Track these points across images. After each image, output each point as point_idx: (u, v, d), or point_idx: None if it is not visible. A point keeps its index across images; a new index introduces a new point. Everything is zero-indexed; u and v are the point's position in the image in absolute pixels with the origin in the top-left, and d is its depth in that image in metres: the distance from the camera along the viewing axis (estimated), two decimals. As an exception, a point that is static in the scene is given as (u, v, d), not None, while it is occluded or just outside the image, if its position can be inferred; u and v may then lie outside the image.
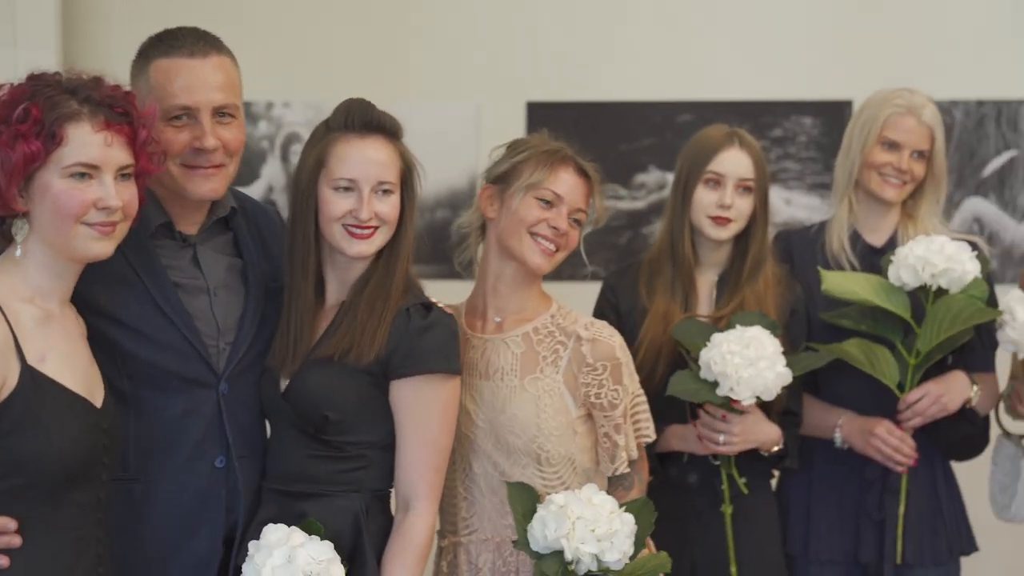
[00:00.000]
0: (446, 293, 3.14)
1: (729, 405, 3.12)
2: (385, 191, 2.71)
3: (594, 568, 2.59)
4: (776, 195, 4.74)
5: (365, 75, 4.89)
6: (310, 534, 2.57)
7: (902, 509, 3.33)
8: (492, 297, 2.92)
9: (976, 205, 4.78)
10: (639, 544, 2.68)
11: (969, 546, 3.48)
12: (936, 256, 3.19)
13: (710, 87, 4.81)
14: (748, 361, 3.05)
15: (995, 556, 3.83)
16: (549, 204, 2.85)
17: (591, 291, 3.47)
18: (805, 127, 4.78)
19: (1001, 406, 3.49)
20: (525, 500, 2.69)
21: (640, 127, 4.80)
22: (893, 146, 3.38)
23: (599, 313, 3.35)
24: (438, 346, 2.68)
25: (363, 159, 2.69)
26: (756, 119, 4.74)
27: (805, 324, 3.34)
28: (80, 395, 2.44)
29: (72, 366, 2.47)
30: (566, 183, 2.86)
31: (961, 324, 3.19)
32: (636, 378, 2.94)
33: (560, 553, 2.59)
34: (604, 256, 4.81)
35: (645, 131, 4.79)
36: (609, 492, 2.85)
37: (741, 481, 3.22)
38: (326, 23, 4.96)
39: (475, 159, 4.76)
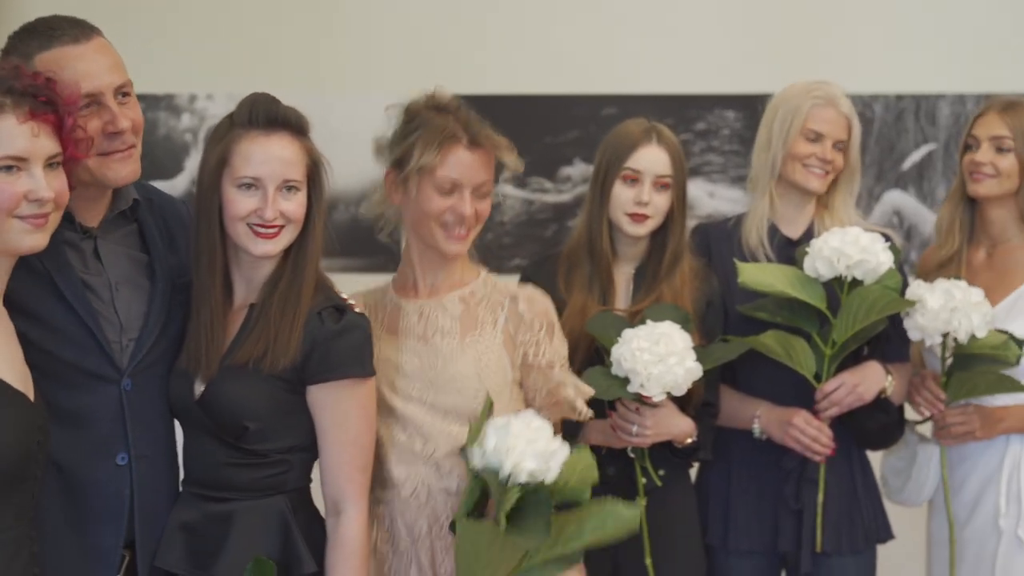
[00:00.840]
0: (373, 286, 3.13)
1: (641, 399, 3.15)
2: (291, 189, 2.65)
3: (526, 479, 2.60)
4: (700, 188, 4.78)
5: (288, 67, 4.87)
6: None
7: (821, 498, 3.36)
8: (421, 270, 2.90)
9: (896, 198, 4.85)
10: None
11: (885, 534, 3.52)
12: (851, 247, 3.24)
13: (634, 81, 4.84)
14: (657, 357, 3.06)
15: (911, 543, 3.89)
16: (449, 190, 2.80)
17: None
18: (728, 120, 4.83)
19: None
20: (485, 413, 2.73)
21: (565, 120, 4.82)
22: (816, 137, 3.42)
23: None
24: (352, 350, 2.66)
25: (267, 157, 2.63)
26: (680, 113, 4.78)
27: (721, 316, 3.37)
28: (21, 392, 2.38)
29: (10, 362, 2.41)
30: (459, 165, 2.79)
31: (876, 314, 3.23)
32: (566, 345, 2.94)
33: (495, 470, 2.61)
34: (530, 248, 4.83)
35: (570, 124, 4.81)
36: None
37: (659, 473, 3.24)
38: (249, 15, 4.93)
39: (399, 152, 4.76)
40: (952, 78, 4.84)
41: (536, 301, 2.87)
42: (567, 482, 2.65)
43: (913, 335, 3.38)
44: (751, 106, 4.76)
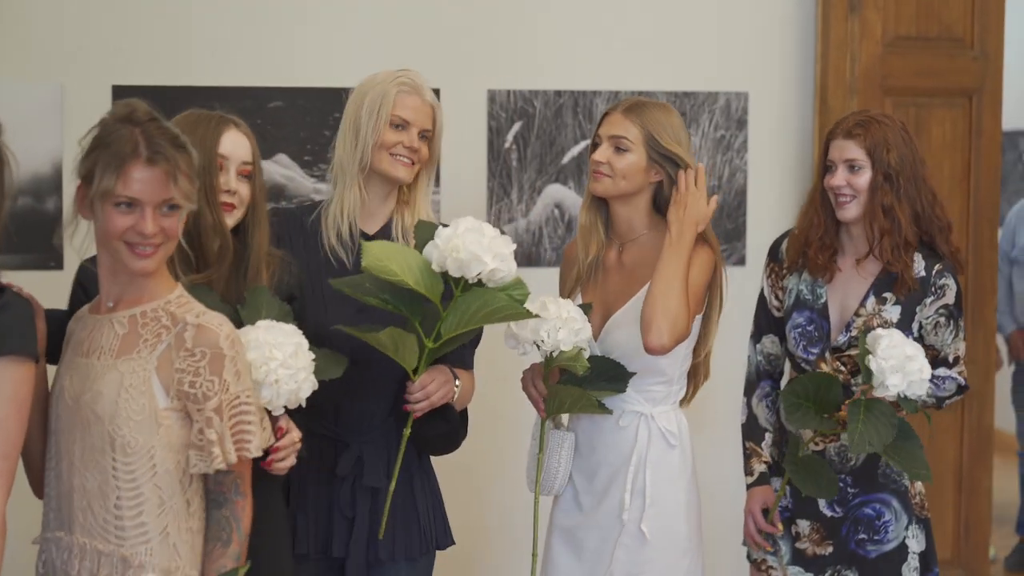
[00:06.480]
0: (34, 283, 3.03)
1: None
2: None
3: None
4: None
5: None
6: None
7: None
8: (107, 284, 2.82)
9: (556, 191, 5.00)
10: None
11: (444, 540, 3.55)
12: (487, 255, 3.13)
13: (298, 74, 4.84)
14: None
15: (471, 551, 3.98)
16: (129, 208, 2.70)
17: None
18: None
19: None
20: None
21: (230, 113, 4.75)
22: (403, 125, 3.39)
23: None
24: (3, 328, 2.61)
25: None
26: (343, 106, 4.79)
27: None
28: None
29: None
30: (139, 183, 2.68)
31: (497, 318, 3.20)
32: (245, 383, 2.79)
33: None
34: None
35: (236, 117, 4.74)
36: (207, 548, 2.76)
37: None
38: None
39: (59, 143, 4.61)
40: (607, 76, 5.03)
41: (207, 330, 2.73)
42: None
43: (509, 343, 3.38)
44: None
